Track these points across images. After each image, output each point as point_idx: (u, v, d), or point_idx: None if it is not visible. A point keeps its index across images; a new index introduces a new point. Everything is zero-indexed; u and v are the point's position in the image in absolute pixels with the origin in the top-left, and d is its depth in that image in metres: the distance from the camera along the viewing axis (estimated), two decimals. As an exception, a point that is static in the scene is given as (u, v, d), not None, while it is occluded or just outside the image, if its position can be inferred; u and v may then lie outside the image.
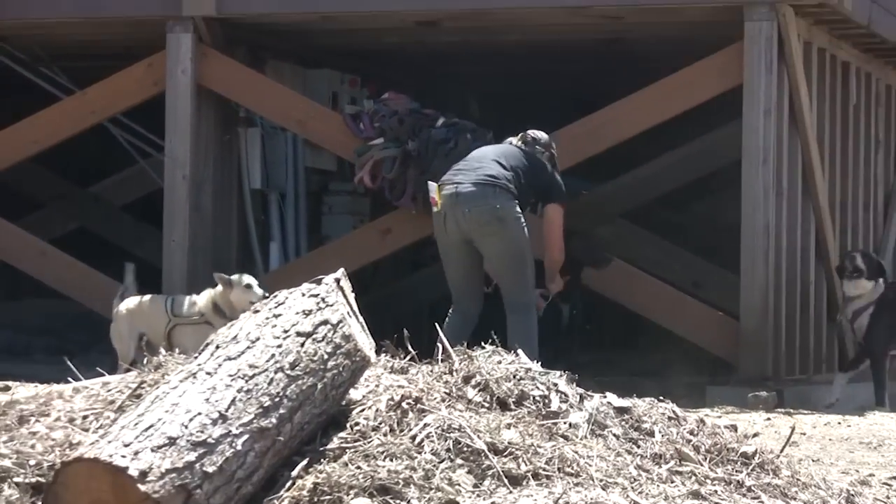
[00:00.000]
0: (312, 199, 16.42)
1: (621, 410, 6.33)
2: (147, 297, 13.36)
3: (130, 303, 13.23)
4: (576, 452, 5.88)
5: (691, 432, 6.37)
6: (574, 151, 14.45)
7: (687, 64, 13.95)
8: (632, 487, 5.71)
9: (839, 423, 11.17)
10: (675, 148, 16.41)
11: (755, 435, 7.31)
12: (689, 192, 17.07)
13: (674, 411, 6.53)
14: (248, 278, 12.73)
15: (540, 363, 9.80)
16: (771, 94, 13.51)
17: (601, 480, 5.72)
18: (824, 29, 14.32)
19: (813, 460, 8.39)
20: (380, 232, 15.13)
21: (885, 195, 16.29)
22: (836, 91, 14.91)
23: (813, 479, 6.60)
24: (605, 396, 6.44)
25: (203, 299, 12.67)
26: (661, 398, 6.81)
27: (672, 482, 5.88)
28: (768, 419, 10.93)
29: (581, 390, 6.46)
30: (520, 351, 6.83)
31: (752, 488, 6.00)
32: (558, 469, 5.75)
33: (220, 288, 12.72)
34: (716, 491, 5.87)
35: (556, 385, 6.35)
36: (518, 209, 12.40)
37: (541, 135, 13.01)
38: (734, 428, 8.45)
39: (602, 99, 14.40)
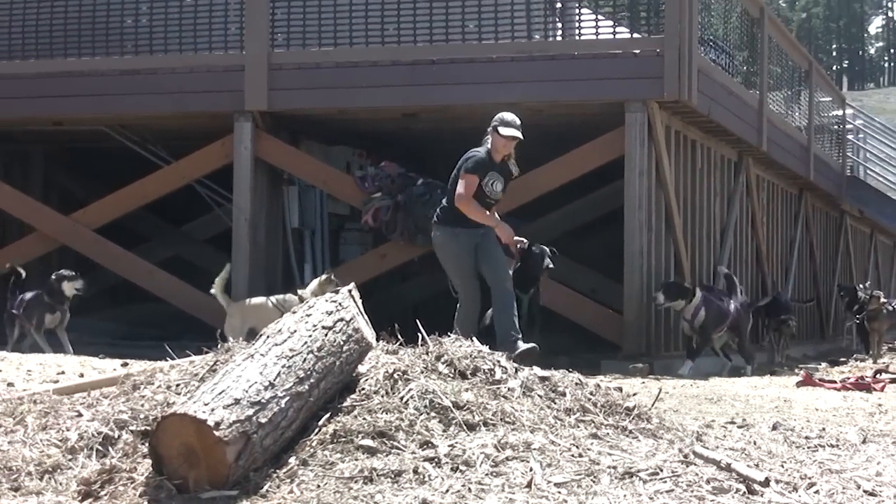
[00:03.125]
0: (333, 235, 16.50)
1: (543, 378, 6.31)
2: (252, 299, 13.38)
3: (241, 304, 13.16)
4: (512, 408, 5.86)
5: (591, 393, 6.34)
6: (512, 199, 14.48)
7: (588, 140, 13.98)
8: (550, 431, 5.69)
9: (691, 385, 11.17)
10: (580, 198, 16.46)
11: (634, 394, 7.29)
12: (591, 227, 17.10)
13: (579, 378, 6.51)
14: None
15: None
16: (643, 162, 13.54)
17: (529, 426, 5.69)
18: (679, 117, 14.36)
19: (674, 411, 8.37)
20: (379, 256, 15.20)
21: (721, 230, 16.32)
22: (688, 159, 14.96)
23: (674, 424, 6.59)
24: (532, 369, 6.42)
25: (308, 292, 12.32)
26: (570, 370, 6.79)
27: (578, 427, 5.86)
28: (643, 383, 10.94)
29: (516, 364, 6.44)
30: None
31: (633, 431, 5.99)
32: (501, 419, 5.72)
33: (317, 281, 12.62)
34: (608, 433, 5.85)
35: (498, 361, 6.33)
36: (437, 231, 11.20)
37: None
38: (620, 389, 8.43)
39: (531, 164, 14.40)
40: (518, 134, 11.05)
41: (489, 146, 11.10)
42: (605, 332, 13.85)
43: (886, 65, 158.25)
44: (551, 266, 12.02)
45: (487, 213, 11.12)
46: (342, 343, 5.91)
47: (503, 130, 11.02)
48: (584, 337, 14.56)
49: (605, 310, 14.10)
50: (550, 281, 14.33)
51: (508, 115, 11.16)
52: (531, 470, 5.13)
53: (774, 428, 7.62)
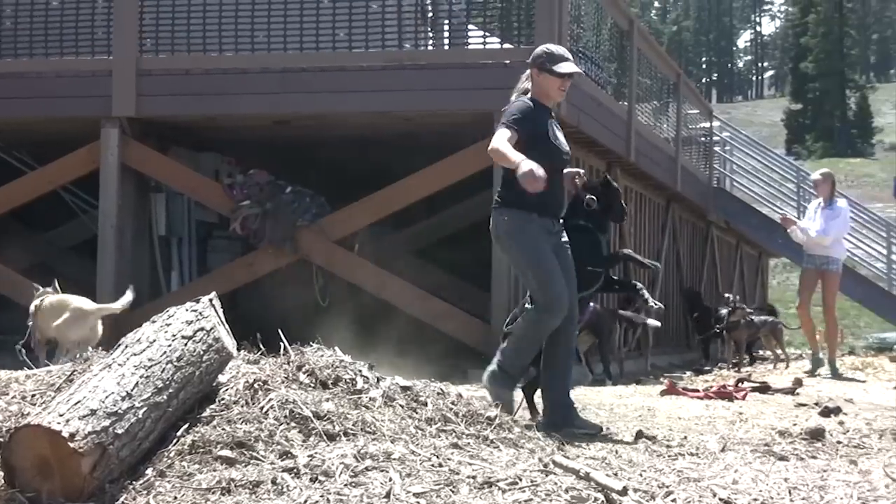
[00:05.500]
0: (200, 243, 16.36)
1: (405, 388, 6.31)
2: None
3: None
4: (373, 417, 5.85)
5: (453, 403, 6.36)
6: (382, 209, 14.55)
7: (461, 149, 14.00)
8: (411, 441, 5.69)
9: (557, 394, 11.21)
10: (451, 207, 16.52)
11: (496, 404, 7.29)
12: (461, 237, 17.14)
13: (441, 388, 6.53)
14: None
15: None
16: (512, 172, 13.58)
17: (390, 436, 5.69)
18: (548, 128, 14.39)
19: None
20: (247, 265, 15.05)
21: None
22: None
23: (535, 434, 6.62)
24: (394, 378, 6.41)
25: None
26: (433, 379, 6.80)
27: (439, 437, 5.87)
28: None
29: (378, 374, 6.43)
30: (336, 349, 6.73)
31: (494, 441, 6.01)
32: (361, 429, 5.71)
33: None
34: (469, 443, 5.86)
35: (360, 371, 6.32)
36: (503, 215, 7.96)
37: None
38: (485, 399, 8.45)
39: (402, 173, 14.43)
40: (577, 68, 8.24)
41: (532, 94, 8.07)
42: (472, 341, 13.85)
43: (754, 78, 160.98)
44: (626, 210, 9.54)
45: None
46: (202, 353, 5.86)
47: (559, 67, 7.98)
48: (454, 346, 14.57)
49: (473, 319, 14.11)
50: (417, 290, 14.37)
51: (554, 46, 8.25)
52: (390, 480, 5.12)
53: (637, 437, 7.68)
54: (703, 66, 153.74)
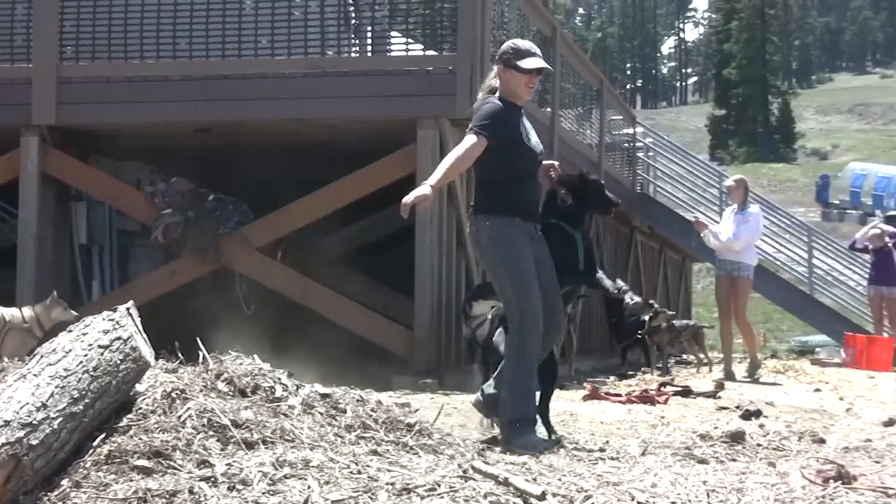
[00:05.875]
0: (122, 252, 16.22)
1: (324, 395, 6.29)
2: None
3: None
4: (292, 425, 5.83)
5: (373, 409, 6.35)
6: (305, 216, 14.51)
7: (384, 155, 13.99)
8: (330, 448, 5.67)
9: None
10: (374, 214, 16.52)
11: (416, 410, 7.29)
12: (384, 244, 17.14)
13: (360, 395, 6.51)
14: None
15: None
16: (435, 178, 13.59)
17: (309, 444, 5.67)
18: (471, 134, 14.39)
19: (461, 426, 8.41)
20: (168, 274, 14.97)
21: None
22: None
23: (455, 440, 6.62)
24: (313, 386, 6.40)
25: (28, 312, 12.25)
26: (352, 386, 6.79)
27: (358, 444, 5.85)
28: (432, 398, 10.96)
29: (297, 382, 6.41)
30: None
31: (414, 447, 6.00)
32: (280, 437, 5.69)
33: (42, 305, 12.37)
34: (388, 450, 5.85)
35: (279, 379, 6.29)
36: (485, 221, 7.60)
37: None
38: (407, 405, 8.44)
39: (325, 180, 14.40)
40: (545, 64, 7.80)
41: (501, 92, 7.70)
42: (396, 348, 13.85)
43: (678, 84, 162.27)
44: (616, 201, 8.77)
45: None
46: (119, 362, 5.81)
47: (525, 63, 7.65)
48: (378, 353, 14.56)
49: (397, 326, 14.09)
50: (341, 297, 14.30)
51: (521, 41, 7.92)
52: (309, 488, 5.10)
53: (559, 442, 7.71)
54: (628, 72, 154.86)
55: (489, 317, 13.40)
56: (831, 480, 5.61)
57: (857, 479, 5.73)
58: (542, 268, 7.60)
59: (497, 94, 7.69)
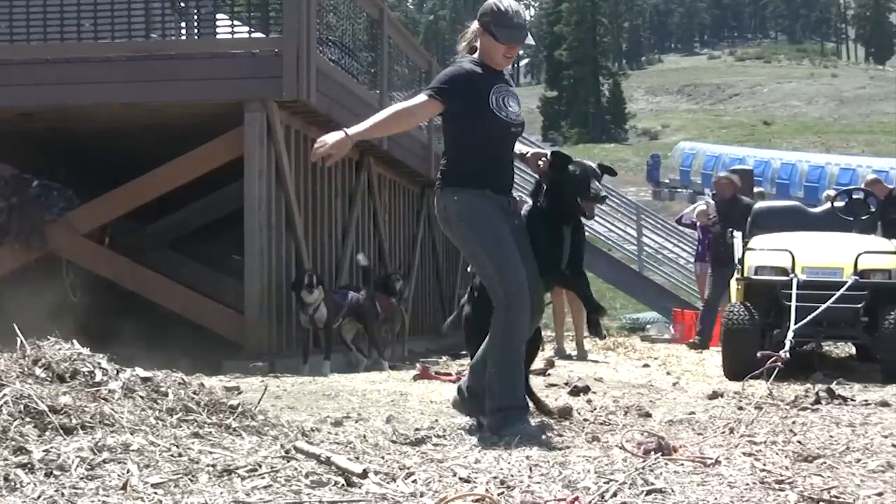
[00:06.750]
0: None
1: (145, 379, 6.24)
2: None
3: None
4: (112, 410, 5.77)
5: (195, 392, 6.32)
6: (132, 201, 14.36)
7: (212, 138, 13.89)
8: (151, 432, 5.63)
9: (310, 382, 11.25)
10: (203, 198, 16.41)
11: (239, 392, 7.28)
12: (213, 228, 17.04)
13: (182, 378, 6.47)
14: None
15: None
16: (263, 162, 13.58)
17: (129, 428, 5.62)
18: (299, 117, 14.41)
19: (290, 408, 8.40)
20: (-13, 263, 14.70)
21: (343, 228, 16.47)
22: (308, 159, 15.00)
23: (280, 421, 6.63)
24: (134, 370, 6.34)
25: None
26: (175, 370, 6.74)
27: (180, 427, 5.83)
28: (262, 381, 10.90)
29: (118, 366, 6.35)
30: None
31: (237, 429, 5.99)
32: (99, 422, 5.63)
33: None
34: (210, 432, 5.83)
35: (99, 363, 6.23)
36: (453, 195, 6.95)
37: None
38: (236, 389, 8.43)
39: (153, 164, 14.27)
40: (526, 36, 7.19)
41: (479, 54, 7.13)
42: (227, 332, 13.79)
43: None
44: (602, 194, 7.45)
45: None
46: (-70, 350, 5.72)
47: (503, 35, 7.07)
48: (210, 337, 14.48)
49: (227, 309, 14.03)
50: (169, 282, 14.20)
51: (507, 4, 7.09)
52: (128, 472, 5.06)
53: (388, 421, 7.76)
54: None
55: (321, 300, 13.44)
56: (652, 452, 5.73)
57: (678, 450, 5.86)
58: (517, 241, 6.97)
59: (475, 56, 7.12)
